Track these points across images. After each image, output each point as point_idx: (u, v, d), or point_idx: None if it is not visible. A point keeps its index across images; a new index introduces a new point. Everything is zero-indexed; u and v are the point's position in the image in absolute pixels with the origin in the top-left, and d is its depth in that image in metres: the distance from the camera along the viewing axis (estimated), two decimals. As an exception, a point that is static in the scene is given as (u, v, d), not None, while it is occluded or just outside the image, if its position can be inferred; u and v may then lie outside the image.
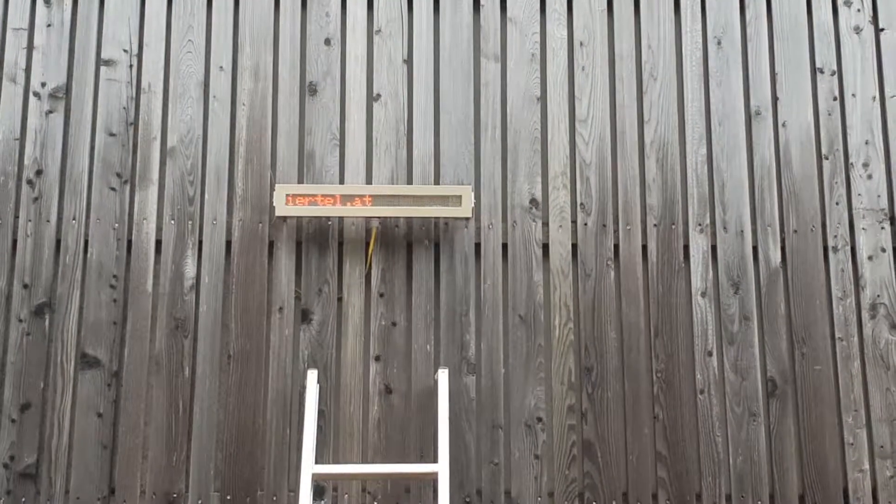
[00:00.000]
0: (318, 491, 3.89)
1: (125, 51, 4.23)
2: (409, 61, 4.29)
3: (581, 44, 4.34)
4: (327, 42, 4.28)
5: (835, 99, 4.34)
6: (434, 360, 4.02)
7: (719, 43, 4.36)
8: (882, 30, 4.41)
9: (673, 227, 4.18)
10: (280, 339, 4.00)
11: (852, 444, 4.01)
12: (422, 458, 3.92)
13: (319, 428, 3.91)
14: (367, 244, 4.10)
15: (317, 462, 3.79)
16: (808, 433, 4.02)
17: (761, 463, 3.98)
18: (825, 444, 4.01)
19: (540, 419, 3.98)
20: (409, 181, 4.17)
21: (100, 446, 3.89)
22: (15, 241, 4.04)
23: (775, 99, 4.33)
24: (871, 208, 4.23)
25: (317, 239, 4.09)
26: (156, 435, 3.90)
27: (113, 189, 4.11)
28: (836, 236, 4.20)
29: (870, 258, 4.18)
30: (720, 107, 4.30)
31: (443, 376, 3.85)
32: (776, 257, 4.17)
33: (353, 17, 4.32)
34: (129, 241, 4.06)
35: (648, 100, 4.30)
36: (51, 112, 4.17)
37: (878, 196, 4.24)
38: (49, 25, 4.25)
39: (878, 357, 4.09)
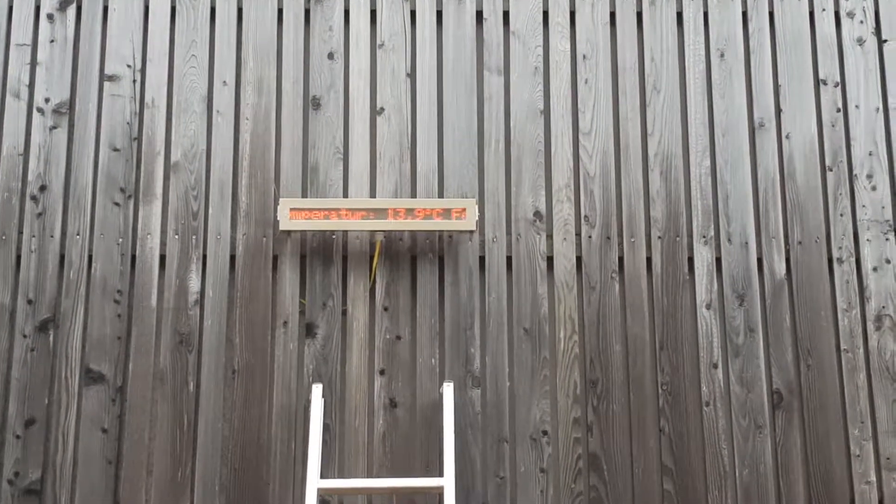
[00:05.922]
0: (324, 506, 3.89)
1: (128, 66, 4.24)
2: (412, 75, 4.30)
3: (584, 57, 4.34)
4: (331, 56, 4.29)
5: (838, 110, 4.34)
6: (439, 374, 4.01)
7: (722, 55, 4.37)
8: (885, 41, 4.42)
9: (677, 239, 4.18)
10: (285, 354, 4.00)
11: (858, 456, 4.00)
12: (427, 472, 3.91)
13: (324, 442, 3.90)
14: (371, 258, 4.09)
15: (322, 476, 3.78)
16: (815, 445, 4.01)
17: (767, 475, 3.97)
18: (831, 455, 4.00)
19: (545, 432, 3.97)
20: (413, 194, 4.17)
21: (104, 462, 3.88)
22: (19, 257, 4.04)
23: (779, 111, 4.33)
24: (876, 219, 4.22)
25: (321, 253, 4.09)
26: (160, 450, 3.89)
27: (117, 204, 4.11)
28: (840, 248, 4.19)
29: (874, 269, 4.17)
30: (723, 119, 4.30)
31: (448, 390, 3.84)
32: (781, 269, 4.17)
33: (357, 32, 4.32)
34: (133, 256, 4.06)
35: (652, 112, 4.30)
36: (54, 128, 4.17)
37: (883, 207, 4.24)
38: (52, 41, 4.25)
39: (883, 368, 4.08)
